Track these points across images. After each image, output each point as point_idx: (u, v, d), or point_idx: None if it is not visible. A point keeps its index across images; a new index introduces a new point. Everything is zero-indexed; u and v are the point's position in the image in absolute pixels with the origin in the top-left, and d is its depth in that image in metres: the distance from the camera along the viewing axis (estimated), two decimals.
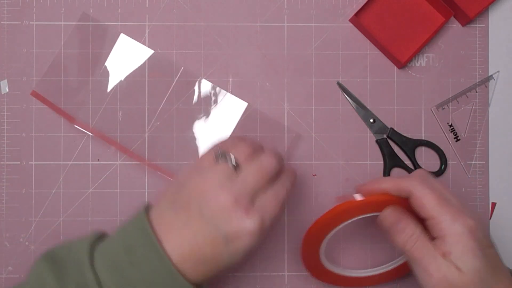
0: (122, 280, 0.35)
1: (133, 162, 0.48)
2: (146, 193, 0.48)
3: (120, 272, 0.35)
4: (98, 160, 0.48)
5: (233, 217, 0.35)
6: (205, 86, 0.48)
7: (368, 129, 0.49)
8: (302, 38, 0.49)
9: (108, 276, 0.35)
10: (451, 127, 0.49)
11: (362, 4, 0.48)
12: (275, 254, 0.48)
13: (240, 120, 0.48)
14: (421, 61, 0.49)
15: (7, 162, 0.48)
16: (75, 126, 0.47)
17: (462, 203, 0.38)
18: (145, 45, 0.48)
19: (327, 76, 0.49)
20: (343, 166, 0.49)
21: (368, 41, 0.49)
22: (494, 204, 0.49)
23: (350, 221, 0.41)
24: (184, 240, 0.36)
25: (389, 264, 0.47)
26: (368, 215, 0.40)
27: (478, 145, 0.49)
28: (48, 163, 0.48)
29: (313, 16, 0.49)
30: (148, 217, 0.37)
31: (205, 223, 0.35)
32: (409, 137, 0.49)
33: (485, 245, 0.36)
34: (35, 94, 0.47)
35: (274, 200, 0.37)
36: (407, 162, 0.49)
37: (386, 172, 0.48)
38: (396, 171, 0.49)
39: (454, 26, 0.49)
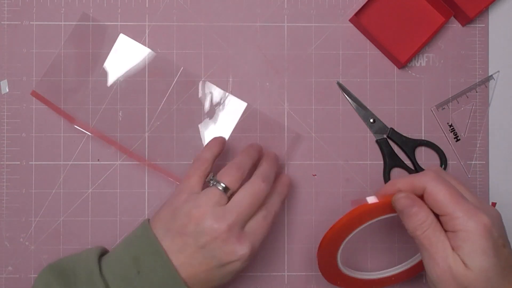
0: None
1: (133, 162, 0.48)
2: (146, 193, 0.48)
3: (129, 281, 0.37)
4: (98, 160, 0.48)
5: (227, 245, 0.37)
6: (205, 86, 0.48)
7: (368, 129, 0.49)
8: (302, 38, 0.49)
9: (116, 285, 0.37)
10: (451, 127, 0.49)
11: (362, 4, 0.48)
12: (275, 254, 0.48)
13: (239, 120, 0.48)
14: (421, 61, 0.49)
15: (7, 162, 0.48)
16: (75, 126, 0.47)
17: (479, 200, 0.37)
18: (145, 45, 0.48)
19: (327, 76, 0.49)
20: (343, 166, 0.49)
21: (368, 41, 0.49)
22: (494, 204, 0.49)
23: (366, 224, 0.40)
24: (180, 264, 0.38)
25: (406, 262, 0.46)
26: (384, 216, 0.40)
27: (478, 145, 0.49)
28: (48, 163, 0.48)
29: (313, 16, 0.49)
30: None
31: (200, 250, 0.38)
32: (409, 137, 0.49)
33: (500, 244, 0.35)
34: (35, 94, 0.47)
35: (263, 223, 0.40)
36: (407, 162, 0.49)
37: (386, 172, 0.48)
38: (396, 171, 0.49)
39: (454, 26, 0.49)
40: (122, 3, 0.48)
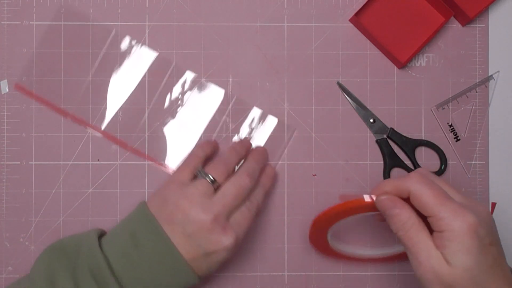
0: (128, 262, 0.39)
1: (133, 162, 0.48)
2: (146, 193, 0.48)
3: (128, 255, 0.39)
4: (98, 160, 0.48)
5: (212, 234, 0.39)
6: (206, 86, 0.48)
7: (368, 129, 0.49)
8: (302, 38, 0.49)
9: (116, 259, 0.39)
10: (451, 127, 0.49)
11: (362, 4, 0.48)
12: (275, 254, 0.48)
13: (242, 120, 0.48)
14: (421, 61, 0.49)
15: (7, 162, 0.48)
16: (69, 119, 0.47)
17: (468, 199, 0.37)
18: (145, 45, 0.48)
19: (327, 76, 0.49)
20: (343, 166, 0.49)
21: (368, 41, 0.49)
22: (494, 204, 0.49)
23: (358, 215, 0.42)
24: None
25: (391, 248, 0.47)
26: (373, 213, 0.41)
27: (478, 145, 0.49)
28: (48, 163, 0.48)
29: (313, 16, 0.49)
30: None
31: (187, 239, 0.39)
32: (409, 137, 0.49)
33: (486, 242, 0.35)
34: (19, 88, 0.47)
35: (247, 215, 0.42)
36: (407, 162, 0.49)
37: (386, 172, 0.48)
38: (396, 171, 0.49)
39: (454, 26, 0.49)
40: (122, 3, 0.48)
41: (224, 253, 0.40)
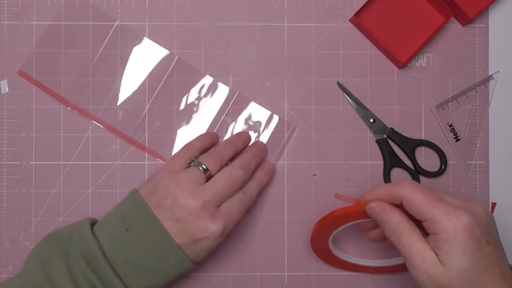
0: (119, 244, 0.39)
1: (133, 162, 0.48)
2: None
3: (118, 238, 0.40)
4: (98, 160, 0.48)
5: (200, 220, 0.39)
6: (207, 82, 0.48)
7: (368, 129, 0.49)
8: (302, 38, 0.49)
9: (106, 241, 0.39)
10: (451, 127, 0.49)
11: (362, 4, 0.48)
12: (275, 254, 0.48)
13: (242, 117, 0.48)
14: (421, 61, 0.49)
15: (7, 162, 0.48)
16: (69, 108, 0.47)
17: (462, 200, 0.37)
18: (145, 45, 0.48)
19: (327, 76, 0.49)
20: (343, 166, 0.49)
21: (368, 41, 0.49)
22: (494, 204, 0.49)
23: (354, 222, 0.42)
24: None
25: (392, 259, 0.47)
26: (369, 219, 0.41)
27: (478, 145, 0.49)
28: (48, 163, 0.48)
29: (313, 16, 0.49)
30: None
31: (176, 223, 0.40)
32: (409, 137, 0.49)
33: (483, 242, 0.35)
34: (22, 74, 0.47)
35: (239, 205, 0.42)
36: (407, 162, 0.49)
37: (386, 172, 0.48)
38: (396, 171, 0.49)
39: (454, 26, 0.49)
40: (122, 3, 0.48)
41: (211, 240, 0.40)
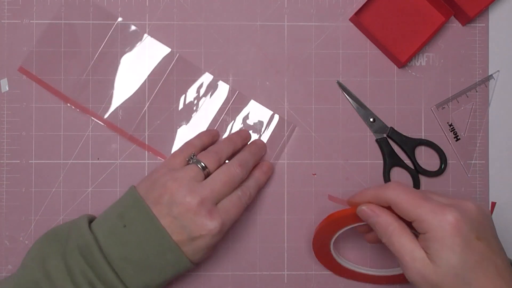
0: (116, 240, 0.39)
1: (133, 161, 0.48)
2: None
3: (116, 234, 0.40)
4: (98, 159, 0.48)
5: (197, 217, 0.39)
6: (207, 81, 0.48)
7: (368, 129, 0.49)
8: (302, 37, 0.49)
9: (104, 237, 0.40)
10: (451, 127, 0.49)
11: (362, 4, 0.48)
12: (275, 253, 0.48)
13: (241, 115, 0.48)
14: (421, 61, 0.49)
15: (7, 161, 0.48)
16: (68, 104, 0.47)
17: (451, 199, 0.38)
18: (145, 44, 0.48)
19: (327, 75, 0.49)
20: (343, 166, 0.49)
21: (368, 40, 0.49)
22: (494, 204, 0.49)
23: (351, 226, 0.42)
24: None
25: (393, 269, 0.47)
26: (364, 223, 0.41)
27: (478, 145, 0.49)
28: (48, 162, 0.48)
29: (313, 16, 0.49)
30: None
31: (173, 220, 0.40)
32: (409, 136, 0.49)
33: (472, 238, 0.35)
34: (22, 71, 0.47)
35: (237, 203, 0.42)
36: (407, 161, 0.49)
37: (386, 172, 0.48)
38: (396, 170, 0.49)
39: (454, 25, 0.49)
40: (122, 2, 0.48)
41: (208, 238, 0.40)
